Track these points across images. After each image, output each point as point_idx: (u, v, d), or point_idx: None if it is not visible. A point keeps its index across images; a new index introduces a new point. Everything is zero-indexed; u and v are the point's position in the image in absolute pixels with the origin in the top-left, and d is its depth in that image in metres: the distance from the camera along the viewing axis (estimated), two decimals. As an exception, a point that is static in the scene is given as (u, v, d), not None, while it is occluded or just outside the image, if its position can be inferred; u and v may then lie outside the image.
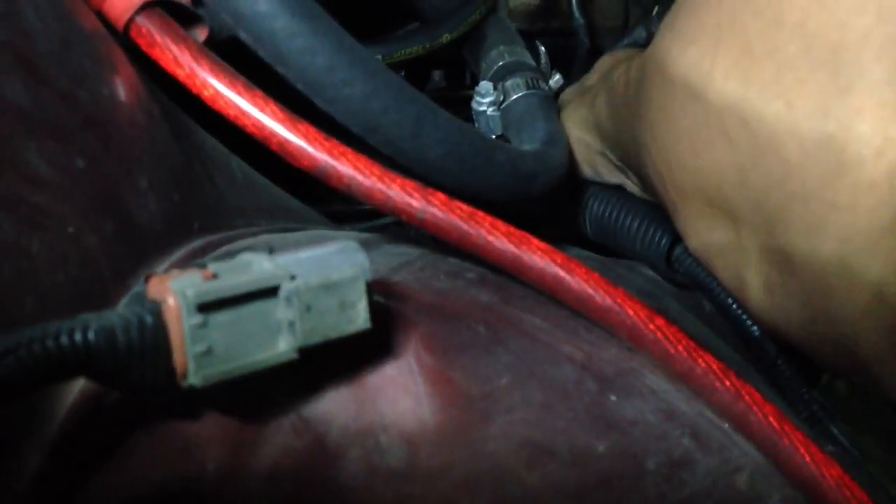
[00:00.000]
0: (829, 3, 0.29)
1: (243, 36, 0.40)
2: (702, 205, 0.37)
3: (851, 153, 0.29)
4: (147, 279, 0.27)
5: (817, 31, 0.30)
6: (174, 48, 0.35)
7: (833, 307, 0.33)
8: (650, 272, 0.54)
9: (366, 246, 0.30)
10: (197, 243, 0.36)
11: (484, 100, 0.59)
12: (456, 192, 0.43)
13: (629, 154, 0.47)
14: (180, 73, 0.35)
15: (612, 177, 0.55)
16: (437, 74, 0.73)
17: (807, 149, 0.30)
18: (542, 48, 0.67)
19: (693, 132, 0.36)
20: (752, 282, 0.36)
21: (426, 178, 0.42)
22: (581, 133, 0.55)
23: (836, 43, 0.29)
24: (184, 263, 0.34)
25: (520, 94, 0.57)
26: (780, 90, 0.31)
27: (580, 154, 0.56)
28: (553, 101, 0.58)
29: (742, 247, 0.36)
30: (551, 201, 0.57)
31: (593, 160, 0.55)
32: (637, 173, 0.49)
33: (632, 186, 0.54)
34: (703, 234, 0.38)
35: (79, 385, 0.29)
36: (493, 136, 0.59)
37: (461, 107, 0.62)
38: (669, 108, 0.37)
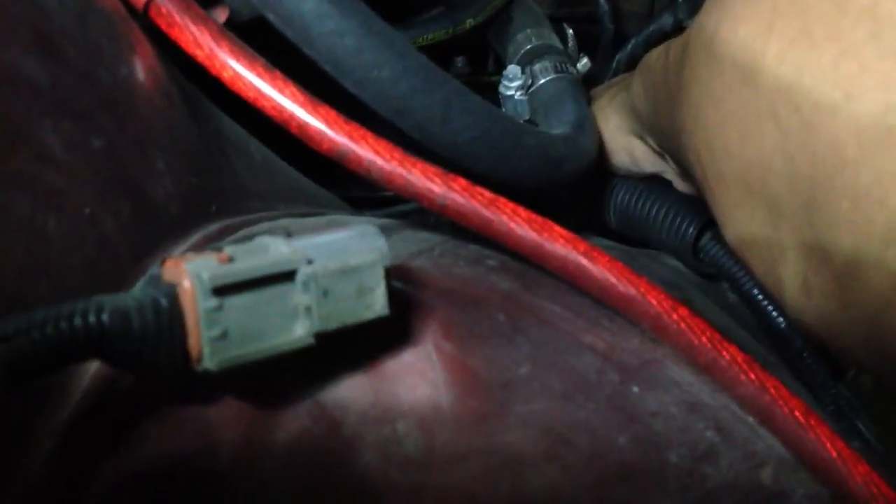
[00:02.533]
0: None
1: (271, 17, 0.39)
2: (742, 194, 0.36)
3: None
4: (163, 262, 0.26)
5: (888, 17, 0.28)
6: (194, 29, 0.35)
7: (873, 311, 0.31)
8: (674, 262, 0.54)
9: (385, 232, 0.30)
10: (214, 227, 0.36)
11: (511, 84, 0.58)
12: (485, 176, 0.43)
13: (667, 138, 0.46)
14: (200, 54, 0.35)
15: (651, 164, 0.54)
16: (459, 60, 0.72)
17: (864, 143, 0.29)
18: (570, 31, 0.66)
19: (740, 116, 0.34)
20: (788, 281, 0.35)
21: (455, 162, 0.42)
22: (620, 117, 0.54)
23: None
24: (201, 247, 0.34)
25: (548, 78, 0.56)
26: (839, 78, 0.29)
27: (618, 140, 0.55)
28: (581, 85, 0.58)
29: (779, 242, 0.34)
30: (577, 188, 0.56)
31: (632, 146, 0.54)
32: (676, 158, 0.48)
33: (671, 174, 0.53)
34: (741, 225, 0.36)
35: (93, 368, 0.29)
36: (522, 121, 0.58)
37: (484, 93, 0.61)
38: (716, 89, 0.36)
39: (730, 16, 0.35)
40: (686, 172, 0.48)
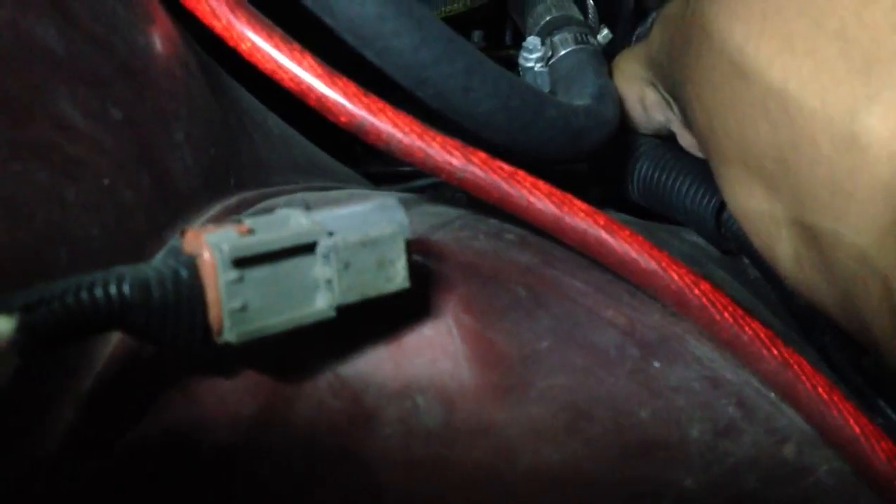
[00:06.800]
0: (866, 19, 0.32)
1: None
2: (742, 171, 0.39)
3: (871, 154, 0.32)
4: (182, 233, 0.26)
5: (855, 41, 0.33)
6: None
7: (853, 290, 0.34)
8: (694, 237, 0.53)
9: (404, 205, 0.29)
10: (233, 199, 0.35)
11: (531, 56, 0.57)
12: (505, 147, 0.42)
13: (675, 85, 0.48)
14: (217, 26, 0.34)
15: (659, 112, 0.55)
16: (476, 34, 0.71)
17: (837, 143, 0.33)
18: (591, 1, 0.65)
19: (737, 105, 0.38)
20: (783, 253, 0.38)
21: (475, 132, 0.41)
22: (633, 66, 0.55)
23: (871, 55, 0.32)
24: (220, 219, 0.34)
25: (568, 50, 0.55)
26: (816, 88, 0.34)
27: (631, 88, 0.55)
28: (602, 56, 0.57)
29: (775, 218, 0.38)
30: (598, 161, 0.56)
31: (643, 94, 0.55)
32: (681, 107, 0.50)
33: (676, 125, 0.54)
34: (741, 199, 0.40)
35: (115, 338, 0.29)
36: (542, 93, 0.57)
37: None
38: (715, 76, 0.39)
39: (726, 10, 0.38)
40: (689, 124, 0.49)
